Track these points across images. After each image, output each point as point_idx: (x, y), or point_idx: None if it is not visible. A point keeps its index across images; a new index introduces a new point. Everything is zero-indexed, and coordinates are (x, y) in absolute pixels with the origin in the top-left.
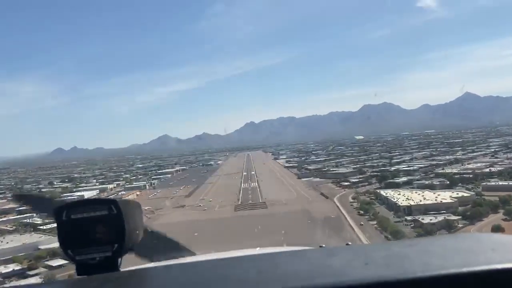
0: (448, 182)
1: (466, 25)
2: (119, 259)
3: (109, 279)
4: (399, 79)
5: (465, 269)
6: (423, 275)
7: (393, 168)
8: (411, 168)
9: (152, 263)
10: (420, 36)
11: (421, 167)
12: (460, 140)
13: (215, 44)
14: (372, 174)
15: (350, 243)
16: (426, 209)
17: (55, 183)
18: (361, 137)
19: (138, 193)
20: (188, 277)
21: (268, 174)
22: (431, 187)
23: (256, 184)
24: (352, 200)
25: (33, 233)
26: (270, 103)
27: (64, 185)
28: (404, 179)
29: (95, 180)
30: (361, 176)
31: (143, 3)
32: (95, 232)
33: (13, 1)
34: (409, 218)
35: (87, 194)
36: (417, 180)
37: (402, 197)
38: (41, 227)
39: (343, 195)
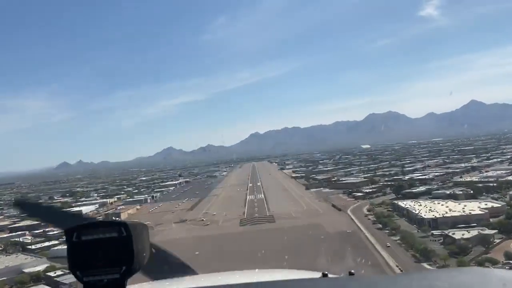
0: (471, 192)
1: (469, 34)
2: (126, 281)
3: None
4: (403, 88)
5: None
6: None
7: (407, 177)
8: (426, 176)
9: (156, 282)
10: (423, 45)
11: (437, 176)
12: (471, 147)
13: (219, 57)
14: (385, 183)
15: (353, 271)
16: (453, 222)
17: (55, 197)
18: (368, 146)
19: (138, 207)
20: None
21: (275, 185)
22: (454, 197)
23: (263, 195)
24: (367, 213)
25: (20, 254)
26: (274, 114)
27: (65, 199)
28: (422, 188)
29: (96, 194)
30: (373, 186)
31: (147, 18)
32: (105, 254)
33: (20, 18)
34: (436, 232)
35: (86, 209)
36: (436, 189)
37: (424, 208)
38: (30, 246)
39: (356, 207)
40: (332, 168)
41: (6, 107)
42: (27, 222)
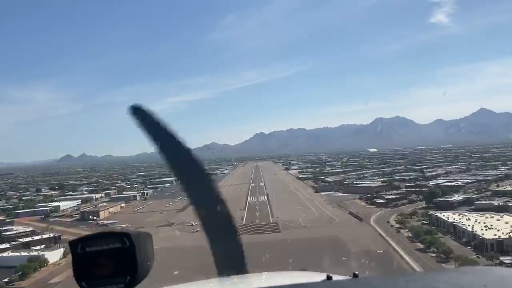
0: None
1: (479, 42)
2: None
3: None
4: (412, 94)
5: None
6: None
7: (431, 183)
8: (454, 183)
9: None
10: (433, 51)
11: (467, 183)
12: (490, 155)
13: (226, 56)
14: (409, 189)
15: (357, 272)
16: None
17: (43, 190)
18: (375, 150)
19: (122, 205)
20: None
21: (280, 186)
22: (504, 210)
23: (266, 198)
24: (398, 225)
25: None
26: (280, 115)
27: (51, 192)
28: (459, 197)
29: (85, 188)
30: (396, 192)
31: (156, 15)
32: (109, 264)
33: (28, 12)
34: (507, 260)
35: (66, 204)
36: (477, 199)
37: (477, 224)
38: None
39: (381, 217)
40: (341, 170)
41: (13, 98)
42: None
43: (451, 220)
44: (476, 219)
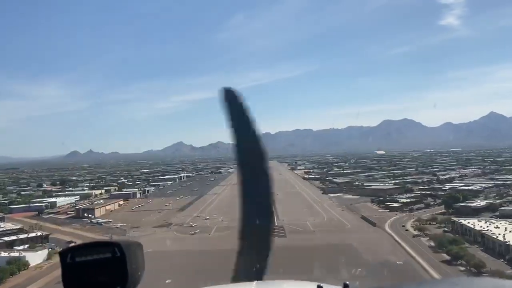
0: None
1: (490, 45)
2: None
3: None
4: (420, 96)
5: None
6: None
7: (447, 187)
8: (472, 187)
9: None
10: (442, 54)
11: (486, 188)
12: (503, 159)
13: (233, 55)
14: (423, 193)
15: (348, 282)
16: None
17: (44, 185)
18: (383, 152)
19: (121, 202)
20: None
21: (285, 187)
22: None
23: None
24: (416, 232)
25: None
26: (286, 115)
27: (51, 188)
28: (482, 203)
29: (85, 185)
30: (410, 195)
31: (165, 14)
32: (99, 275)
33: (38, 9)
34: None
35: (63, 200)
36: (500, 205)
37: (508, 233)
38: None
39: (396, 222)
40: (350, 171)
41: (22, 94)
42: None
43: (478, 228)
44: (506, 227)
